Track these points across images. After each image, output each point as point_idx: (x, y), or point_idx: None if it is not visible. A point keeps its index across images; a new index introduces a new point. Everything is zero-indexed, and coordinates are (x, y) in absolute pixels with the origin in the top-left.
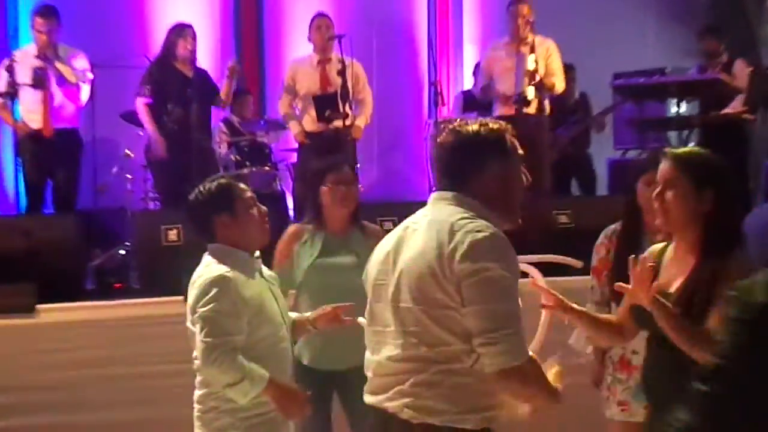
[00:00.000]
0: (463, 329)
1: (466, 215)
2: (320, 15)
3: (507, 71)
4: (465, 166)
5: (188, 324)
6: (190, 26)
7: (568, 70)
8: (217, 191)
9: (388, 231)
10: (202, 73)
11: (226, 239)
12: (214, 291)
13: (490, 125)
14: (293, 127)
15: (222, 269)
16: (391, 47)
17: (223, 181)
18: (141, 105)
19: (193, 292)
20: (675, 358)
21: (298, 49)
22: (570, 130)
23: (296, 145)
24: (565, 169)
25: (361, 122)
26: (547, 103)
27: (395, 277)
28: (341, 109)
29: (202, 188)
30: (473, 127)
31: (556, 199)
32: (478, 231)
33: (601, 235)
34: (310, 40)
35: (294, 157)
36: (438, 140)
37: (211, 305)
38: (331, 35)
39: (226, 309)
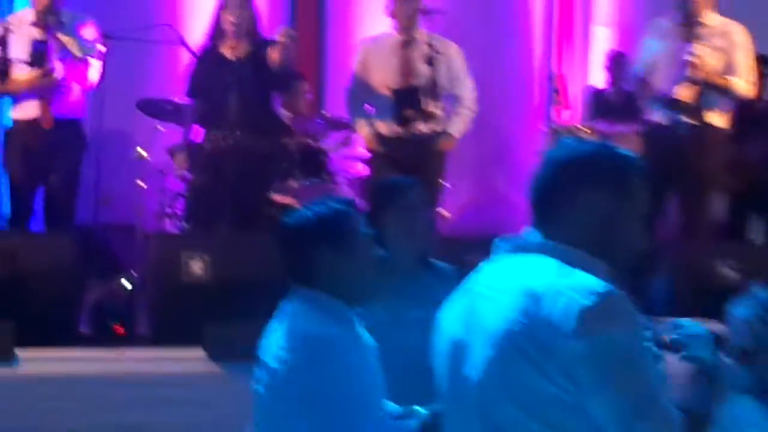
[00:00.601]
0: (587, 427)
1: (563, 270)
2: None
3: (668, 65)
4: (558, 196)
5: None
6: None
7: (762, 63)
8: (328, 217)
9: None
10: (261, 53)
11: (327, 283)
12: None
13: (609, 145)
14: (361, 129)
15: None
16: (496, 28)
17: (338, 205)
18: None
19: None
20: None
21: (371, 25)
22: (761, 148)
23: (365, 153)
24: (746, 203)
25: (455, 128)
26: (723, 109)
27: (470, 364)
28: (428, 109)
29: (308, 211)
30: (588, 142)
31: (723, 244)
32: (586, 291)
33: None
34: (389, 13)
35: (361, 169)
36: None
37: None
38: (419, 8)
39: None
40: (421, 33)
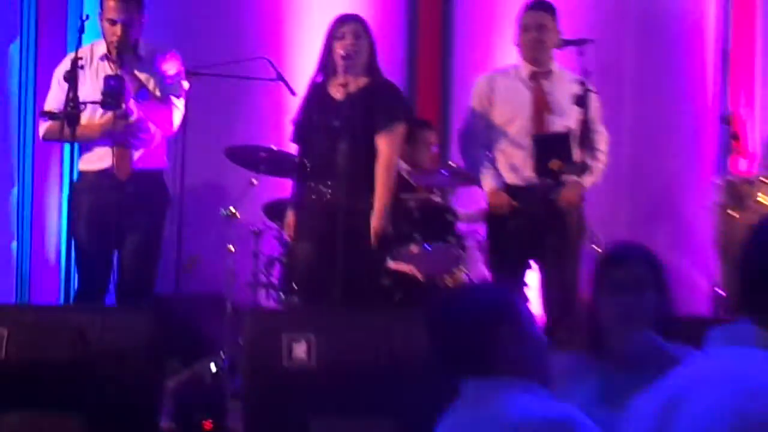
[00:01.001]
0: None
1: None
2: (538, 5)
3: None
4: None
5: None
6: (355, 17)
7: None
8: (501, 296)
9: None
10: (380, 89)
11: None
12: None
13: None
14: (487, 182)
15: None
16: (658, 59)
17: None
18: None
19: None
20: None
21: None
22: None
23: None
24: None
25: (586, 180)
26: None
27: None
28: (579, 159)
29: (472, 293)
30: None
31: None
32: None
33: None
34: (516, 42)
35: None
36: (727, 217)
37: None
38: (555, 38)
39: None
40: (558, 67)
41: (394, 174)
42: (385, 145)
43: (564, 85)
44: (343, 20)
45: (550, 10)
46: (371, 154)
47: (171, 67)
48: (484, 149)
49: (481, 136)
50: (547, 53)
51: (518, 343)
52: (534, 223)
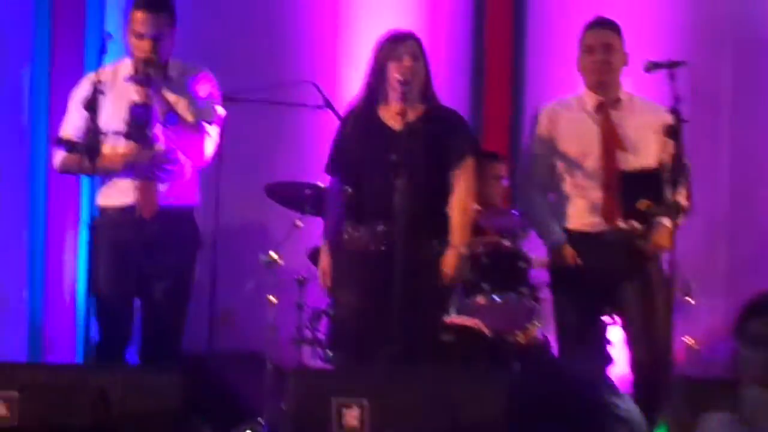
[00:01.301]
0: None
1: None
2: (601, 22)
3: None
4: None
5: None
6: (410, 35)
7: None
8: None
9: None
10: (442, 118)
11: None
12: None
13: None
14: (547, 235)
15: None
16: (757, 86)
17: None
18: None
19: None
20: None
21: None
22: None
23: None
24: None
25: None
26: None
27: None
28: (671, 198)
29: None
30: None
31: None
32: None
33: None
34: (580, 67)
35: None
36: None
37: None
38: (624, 63)
39: None
40: (626, 94)
41: (471, 215)
42: (460, 182)
43: (637, 116)
44: (398, 39)
45: (616, 28)
46: (433, 192)
47: (204, 90)
48: (544, 194)
49: (541, 178)
50: (615, 78)
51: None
52: (609, 271)
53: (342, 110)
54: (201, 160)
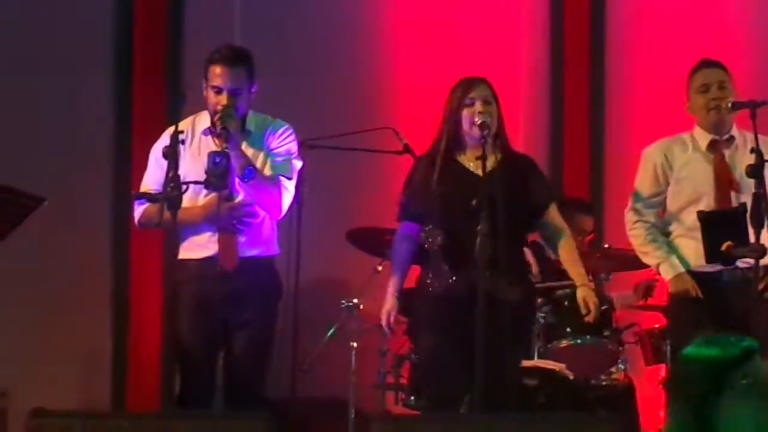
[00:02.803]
0: None
1: None
2: (713, 62)
3: None
4: None
5: None
6: (482, 80)
7: None
8: None
9: None
10: (520, 165)
11: None
12: None
13: None
14: (666, 267)
15: None
16: None
17: None
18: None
19: None
20: None
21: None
22: None
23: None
24: None
25: None
26: None
27: None
28: (753, 240)
29: None
30: None
31: None
32: None
33: None
34: (693, 107)
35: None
36: None
37: None
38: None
39: None
40: (736, 130)
41: (577, 249)
42: (555, 224)
43: (749, 154)
44: (471, 84)
45: (725, 67)
46: (514, 237)
47: (282, 143)
48: (659, 232)
49: (653, 216)
50: (730, 116)
51: None
52: (727, 317)
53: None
54: (277, 213)
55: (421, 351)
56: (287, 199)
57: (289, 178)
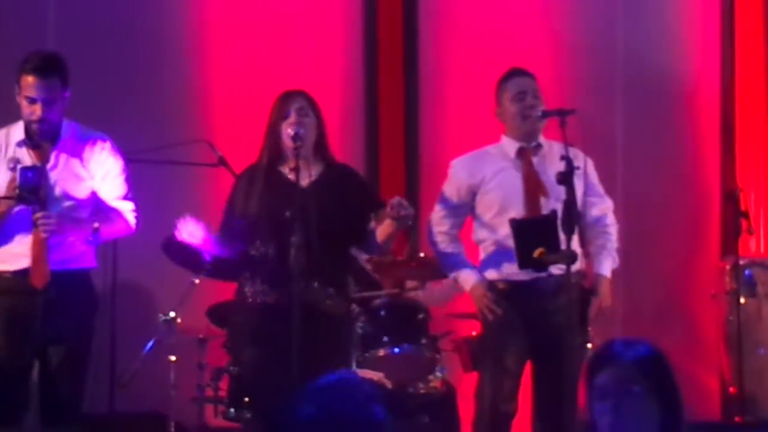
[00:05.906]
0: None
1: None
2: (522, 71)
3: None
4: None
5: None
6: (299, 94)
7: None
8: None
9: None
10: (343, 176)
11: None
12: None
13: None
14: (464, 278)
15: None
16: (650, 132)
17: None
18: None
19: None
20: None
21: (468, 143)
22: None
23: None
24: None
25: (605, 267)
26: None
27: None
28: (565, 246)
29: None
30: None
31: None
32: None
33: None
34: (502, 115)
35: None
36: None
37: None
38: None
39: None
40: (543, 138)
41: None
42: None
43: (557, 161)
44: (288, 97)
45: (534, 76)
46: (336, 248)
47: (107, 163)
48: (459, 244)
49: (455, 227)
50: (540, 124)
51: None
52: (540, 324)
53: (238, 169)
54: (133, 231)
55: (240, 363)
56: (132, 216)
57: (126, 196)
